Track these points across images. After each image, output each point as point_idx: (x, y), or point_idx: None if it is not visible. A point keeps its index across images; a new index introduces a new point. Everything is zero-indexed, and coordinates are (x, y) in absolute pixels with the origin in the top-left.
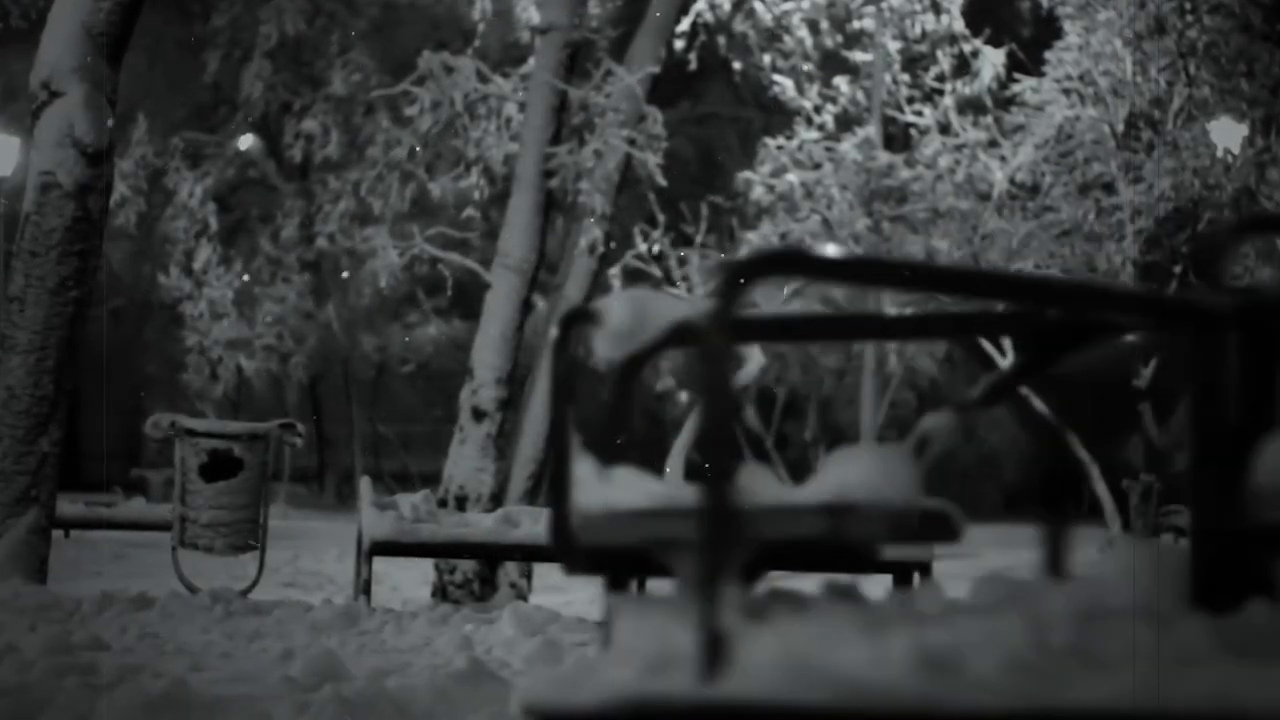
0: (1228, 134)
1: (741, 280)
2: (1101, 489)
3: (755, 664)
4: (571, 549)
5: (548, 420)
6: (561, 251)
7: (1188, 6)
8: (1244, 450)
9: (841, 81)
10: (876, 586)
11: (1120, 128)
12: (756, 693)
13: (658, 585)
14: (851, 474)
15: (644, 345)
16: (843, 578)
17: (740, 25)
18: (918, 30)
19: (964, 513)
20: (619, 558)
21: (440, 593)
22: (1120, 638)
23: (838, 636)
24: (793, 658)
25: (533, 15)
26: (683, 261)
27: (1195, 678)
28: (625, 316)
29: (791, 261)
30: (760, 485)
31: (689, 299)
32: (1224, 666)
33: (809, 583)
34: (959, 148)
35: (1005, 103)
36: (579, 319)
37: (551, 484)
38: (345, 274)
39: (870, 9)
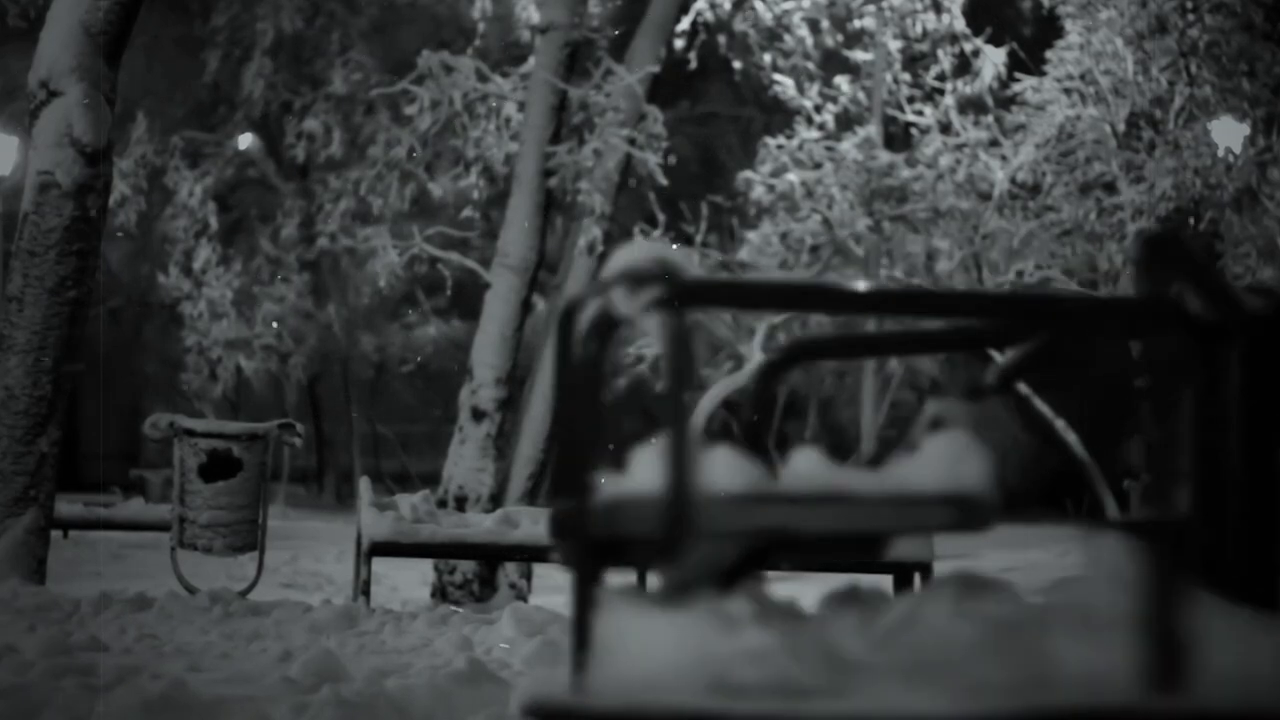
0: (1229, 133)
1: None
2: (1102, 489)
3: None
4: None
5: (549, 419)
6: (561, 251)
7: (1189, 6)
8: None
9: (842, 81)
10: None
11: (1121, 127)
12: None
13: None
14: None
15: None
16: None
17: (740, 24)
18: (919, 29)
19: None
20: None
21: (440, 593)
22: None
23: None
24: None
25: (532, 14)
26: None
27: None
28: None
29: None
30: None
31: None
32: None
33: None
34: (960, 147)
35: (1006, 102)
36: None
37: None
38: (354, 266)
39: (871, 8)
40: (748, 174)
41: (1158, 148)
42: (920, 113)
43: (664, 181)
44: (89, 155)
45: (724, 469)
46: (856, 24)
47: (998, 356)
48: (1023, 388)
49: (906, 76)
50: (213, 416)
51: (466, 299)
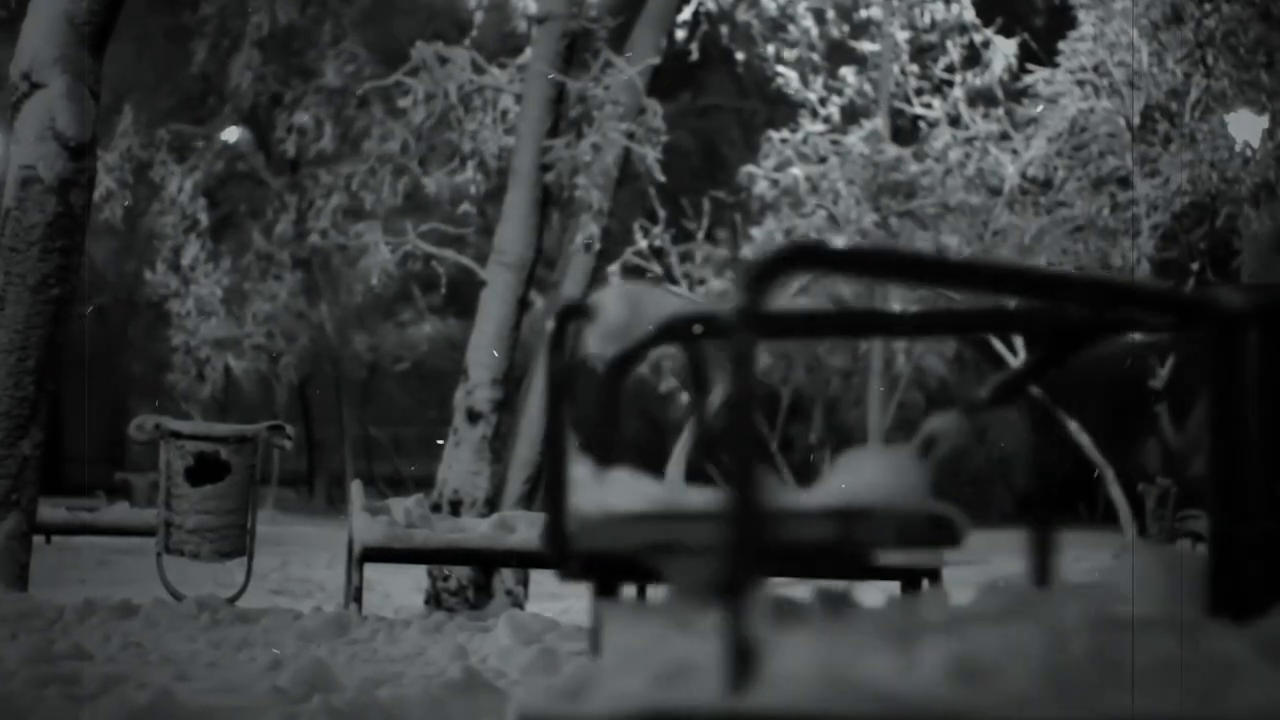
0: (1246, 126)
1: (767, 275)
2: (1116, 493)
3: (782, 674)
4: (567, 553)
5: (544, 421)
6: (559, 248)
7: None
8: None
9: (848, 72)
10: (878, 594)
11: (1136, 120)
12: (785, 703)
13: (655, 592)
14: (861, 478)
15: (635, 342)
16: (839, 584)
17: (743, 14)
18: (927, 19)
19: (972, 517)
20: (615, 563)
21: (434, 600)
22: (1145, 647)
23: (862, 646)
24: (821, 668)
25: (529, 4)
26: (684, 258)
27: (1236, 687)
28: (620, 312)
29: (815, 255)
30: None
31: (684, 294)
32: (1264, 674)
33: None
34: (969, 141)
35: (1017, 94)
36: (575, 313)
37: (547, 485)
38: (347, 264)
39: None
40: (750, 168)
41: (1173, 141)
42: (928, 105)
43: (663, 177)
44: (72, 149)
45: (624, 490)
46: (863, 14)
47: (1011, 359)
48: (1035, 390)
49: (914, 68)
50: (200, 418)
51: (462, 297)
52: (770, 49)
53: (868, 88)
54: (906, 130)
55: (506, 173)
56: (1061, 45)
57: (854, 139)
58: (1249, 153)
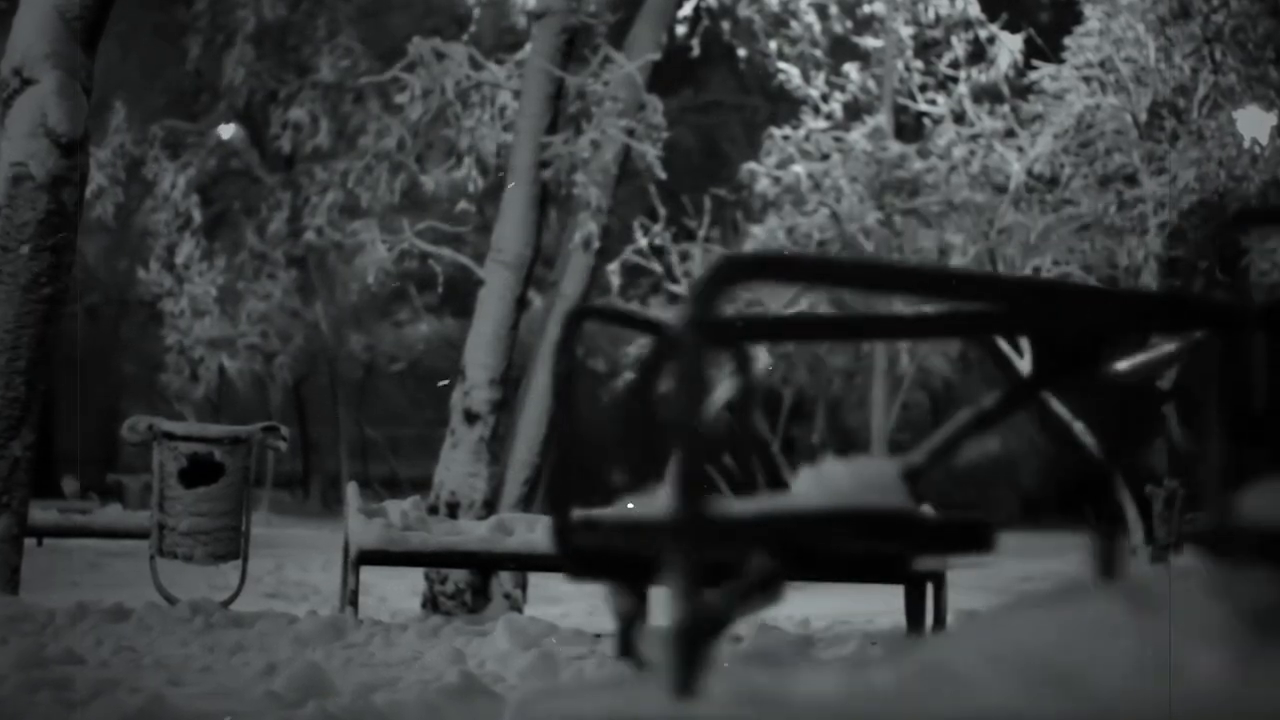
0: (1255, 123)
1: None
2: (1124, 495)
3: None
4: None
5: (545, 422)
6: (558, 246)
7: None
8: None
9: (851, 68)
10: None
11: (1143, 117)
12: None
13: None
14: (839, 485)
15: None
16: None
17: (745, 10)
18: (931, 15)
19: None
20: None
21: (431, 604)
22: None
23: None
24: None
25: None
26: (684, 257)
27: None
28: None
29: (751, 267)
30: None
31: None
32: None
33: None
34: (974, 138)
35: (1023, 91)
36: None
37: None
38: (342, 262)
39: None
40: (752, 166)
41: (1180, 138)
42: (933, 102)
43: (663, 175)
44: (64, 146)
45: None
46: (866, 9)
47: (1017, 359)
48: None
49: (918, 64)
50: (194, 419)
51: (459, 296)
52: (772, 45)
53: (871, 84)
54: (910, 127)
55: (505, 170)
56: (1068, 41)
57: (857, 136)
58: (1257, 149)
